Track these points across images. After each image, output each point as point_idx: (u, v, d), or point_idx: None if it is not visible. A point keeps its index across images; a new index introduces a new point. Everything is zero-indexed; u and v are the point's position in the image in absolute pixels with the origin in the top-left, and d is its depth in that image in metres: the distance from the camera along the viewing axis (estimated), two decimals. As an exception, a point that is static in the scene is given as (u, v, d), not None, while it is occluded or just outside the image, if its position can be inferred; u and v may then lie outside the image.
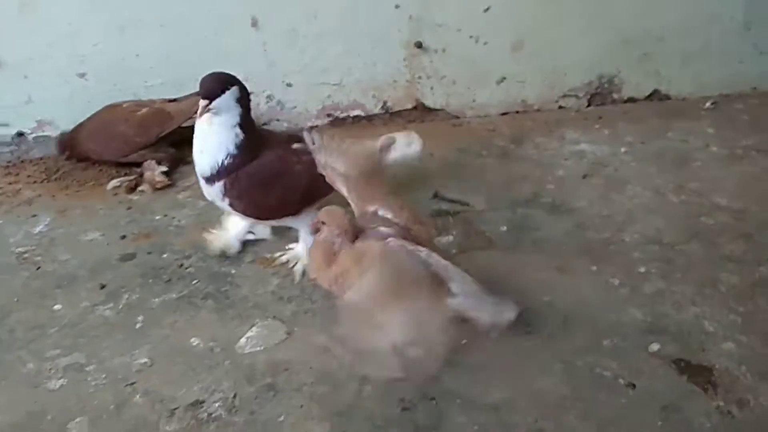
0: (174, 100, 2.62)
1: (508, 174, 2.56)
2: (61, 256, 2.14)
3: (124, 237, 2.22)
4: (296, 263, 2.01)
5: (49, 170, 2.68)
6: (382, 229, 1.64)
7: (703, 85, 3.20)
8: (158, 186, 2.52)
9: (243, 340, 1.75)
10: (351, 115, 3.04)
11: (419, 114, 3.09)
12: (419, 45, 2.93)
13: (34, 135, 2.77)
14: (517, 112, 3.15)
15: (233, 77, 1.80)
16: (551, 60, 3.07)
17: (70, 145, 2.63)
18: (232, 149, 1.81)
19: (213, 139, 1.81)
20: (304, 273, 1.96)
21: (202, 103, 1.75)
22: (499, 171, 2.60)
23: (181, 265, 2.06)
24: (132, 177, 2.57)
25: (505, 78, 3.08)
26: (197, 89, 1.79)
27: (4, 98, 2.69)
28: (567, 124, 2.99)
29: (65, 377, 1.65)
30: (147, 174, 2.55)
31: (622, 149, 2.74)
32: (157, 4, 2.66)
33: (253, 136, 1.85)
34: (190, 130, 1.89)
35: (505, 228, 2.19)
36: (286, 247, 2.09)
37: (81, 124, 2.61)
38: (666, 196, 2.37)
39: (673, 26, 3.04)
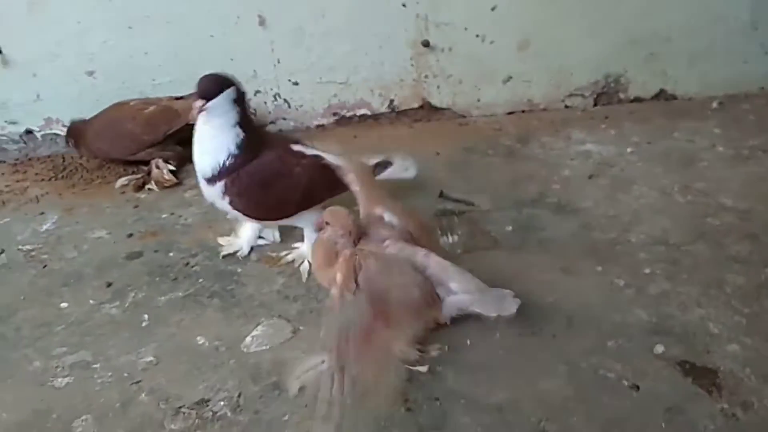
0: (181, 98, 2.62)
1: (513, 174, 2.56)
2: (67, 254, 2.15)
3: (130, 235, 2.24)
4: (302, 262, 2.02)
5: (57, 168, 2.71)
6: (383, 231, 1.66)
7: (709, 85, 3.18)
8: (165, 184, 2.53)
9: (248, 338, 1.75)
10: (357, 113, 3.06)
11: (425, 113, 3.10)
12: (426, 44, 2.93)
13: (42, 133, 2.80)
14: (524, 111, 3.15)
15: (230, 78, 1.81)
16: (557, 59, 3.06)
17: (76, 136, 2.64)
18: (233, 149, 1.81)
19: (214, 139, 1.81)
20: (310, 272, 1.96)
21: (198, 103, 1.76)
22: (504, 170, 2.59)
23: (188, 264, 2.07)
24: (139, 175, 2.59)
25: (511, 77, 3.08)
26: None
27: (12, 96, 2.72)
28: (573, 124, 2.98)
29: (71, 375, 1.65)
30: (154, 172, 2.56)
31: (629, 149, 2.73)
32: (165, 3, 2.68)
33: (254, 136, 1.86)
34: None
35: (510, 228, 2.19)
36: (292, 246, 2.09)
37: (89, 121, 2.62)
38: (672, 197, 2.36)
39: (679, 26, 3.03)
